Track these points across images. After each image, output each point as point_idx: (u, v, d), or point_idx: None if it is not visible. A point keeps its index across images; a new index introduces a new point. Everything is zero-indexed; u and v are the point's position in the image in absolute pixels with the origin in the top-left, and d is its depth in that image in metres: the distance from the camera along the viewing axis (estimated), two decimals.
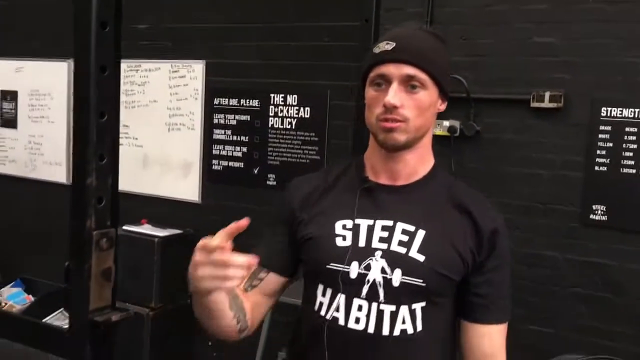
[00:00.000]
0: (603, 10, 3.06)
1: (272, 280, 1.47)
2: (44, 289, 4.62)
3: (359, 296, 1.31)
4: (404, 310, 1.30)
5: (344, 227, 1.35)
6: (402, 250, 1.31)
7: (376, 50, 1.34)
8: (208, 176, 4.23)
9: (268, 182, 4.01)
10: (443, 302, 1.36)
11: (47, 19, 4.64)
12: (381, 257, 1.31)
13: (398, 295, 1.30)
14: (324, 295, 1.37)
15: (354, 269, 1.32)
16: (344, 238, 1.34)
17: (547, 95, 3.14)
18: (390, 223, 1.33)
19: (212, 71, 4.16)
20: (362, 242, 1.33)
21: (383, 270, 1.31)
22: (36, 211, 4.81)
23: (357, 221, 1.35)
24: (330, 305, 1.35)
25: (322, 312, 1.37)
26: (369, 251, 1.32)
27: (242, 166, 4.11)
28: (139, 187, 4.37)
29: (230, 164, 4.15)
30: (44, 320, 4.31)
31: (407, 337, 1.30)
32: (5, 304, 4.64)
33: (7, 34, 4.93)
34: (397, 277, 1.30)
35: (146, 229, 4.07)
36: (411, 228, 1.33)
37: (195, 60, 4.21)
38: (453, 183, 1.45)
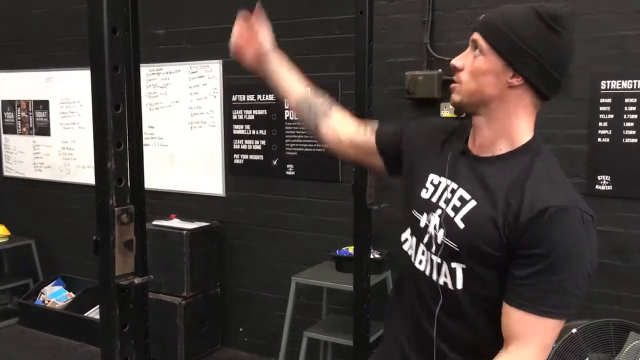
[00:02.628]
0: None
1: (369, 141, 1.69)
2: (83, 286, 4.90)
3: (422, 242, 1.49)
4: (445, 266, 1.42)
5: (431, 181, 1.51)
6: (452, 214, 1.42)
7: None
8: (230, 170, 4.43)
9: (287, 172, 4.20)
10: (483, 273, 1.37)
11: (70, 31, 4.89)
12: (439, 215, 1.45)
13: (441, 252, 1.42)
14: (408, 235, 1.57)
15: (423, 219, 1.50)
16: (427, 190, 1.51)
17: None
18: (456, 187, 1.44)
19: (229, 69, 4.35)
20: (434, 198, 1.49)
21: (435, 227, 1.45)
22: (73, 212, 5.08)
23: (440, 179, 1.49)
24: (410, 245, 1.55)
25: (405, 248, 1.57)
26: (434, 207, 1.47)
27: (262, 159, 4.30)
28: (167, 184, 4.61)
29: (251, 157, 4.35)
30: (84, 315, 4.57)
31: (448, 290, 1.42)
32: (48, 301, 4.92)
33: (34, 47, 5.21)
34: (440, 236, 1.43)
35: (175, 223, 4.29)
36: (467, 196, 1.41)
37: (213, 61, 4.41)
38: (535, 163, 1.38)
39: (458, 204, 1.41)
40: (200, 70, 4.48)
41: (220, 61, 4.38)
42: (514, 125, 1.40)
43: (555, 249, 1.27)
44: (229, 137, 4.42)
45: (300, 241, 4.17)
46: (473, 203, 1.39)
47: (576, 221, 1.29)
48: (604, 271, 3.19)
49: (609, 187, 3.20)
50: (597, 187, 3.23)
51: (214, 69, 4.42)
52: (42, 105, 5.23)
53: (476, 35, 1.38)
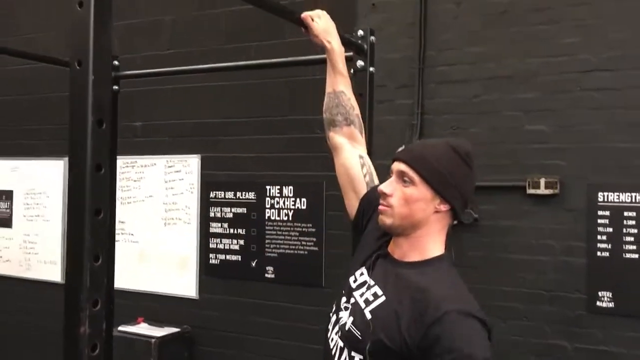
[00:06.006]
0: (591, 97, 3.14)
1: (361, 184, 1.79)
2: None
3: (338, 323, 1.58)
4: (346, 353, 1.51)
5: (360, 273, 1.62)
6: (363, 305, 1.52)
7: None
8: (205, 270, 4.16)
9: (267, 275, 3.95)
10: None
11: (42, 119, 4.72)
12: (352, 303, 1.56)
13: (346, 338, 1.52)
14: (334, 309, 1.65)
15: (343, 302, 1.60)
16: (355, 280, 1.62)
17: (542, 181, 3.16)
18: (372, 283, 1.56)
19: (208, 165, 4.19)
20: (355, 288, 1.60)
21: (348, 314, 1.55)
22: (32, 311, 4.70)
23: (364, 275, 1.61)
24: (331, 320, 1.64)
25: (331, 319, 1.64)
26: (353, 296, 1.58)
27: (240, 259, 4.05)
28: (134, 284, 4.30)
29: (228, 257, 4.10)
30: None
31: None
32: None
33: (2, 133, 5.00)
34: (349, 323, 1.52)
35: (143, 328, 3.96)
36: (379, 292, 1.52)
37: (191, 155, 4.25)
38: (442, 271, 1.51)
39: (371, 298, 1.52)
40: (177, 164, 4.31)
41: (199, 156, 4.23)
42: (429, 242, 1.54)
43: (454, 350, 1.35)
44: (205, 235, 4.18)
45: (278, 350, 3.86)
46: (383, 299, 1.50)
47: (475, 326, 1.39)
48: None
49: (611, 304, 3.03)
50: (598, 303, 3.06)
51: (192, 163, 4.25)
52: (5, 195, 4.95)
53: (404, 167, 1.51)
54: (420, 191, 1.49)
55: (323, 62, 2.03)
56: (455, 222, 1.56)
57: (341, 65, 1.88)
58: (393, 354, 1.41)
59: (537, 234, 3.21)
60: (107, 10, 1.19)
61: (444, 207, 1.50)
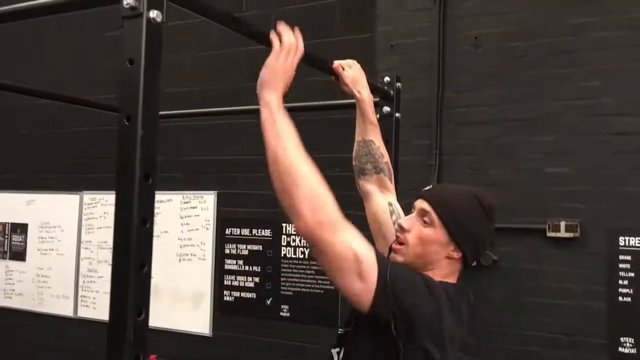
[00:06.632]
0: (613, 141, 3.14)
1: (390, 227, 1.78)
2: None
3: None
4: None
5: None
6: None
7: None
8: (219, 307, 4.13)
9: (282, 314, 3.92)
10: None
11: (57, 154, 4.75)
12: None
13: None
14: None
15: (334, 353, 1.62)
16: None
17: (562, 224, 3.14)
18: None
19: (224, 201, 4.19)
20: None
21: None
22: (43, 346, 4.66)
23: None
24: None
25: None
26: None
27: (255, 297, 4.03)
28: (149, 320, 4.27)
29: (243, 294, 4.08)
30: None
31: None
32: None
33: (18, 167, 5.03)
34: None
35: None
36: None
37: (207, 191, 4.26)
38: None
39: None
40: (193, 200, 4.32)
41: (215, 192, 4.24)
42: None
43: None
44: (220, 272, 4.17)
45: None
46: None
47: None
48: None
49: (633, 350, 2.99)
50: (620, 349, 3.02)
51: (208, 200, 4.26)
52: (20, 228, 4.96)
53: (427, 207, 1.51)
54: (437, 234, 1.50)
55: (350, 107, 2.07)
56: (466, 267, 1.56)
57: (370, 113, 1.89)
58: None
59: (557, 278, 3.18)
60: (156, 68, 1.21)
61: (456, 255, 1.51)
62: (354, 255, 1.32)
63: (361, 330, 1.48)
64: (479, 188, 3.30)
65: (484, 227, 1.52)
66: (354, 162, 1.92)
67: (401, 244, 1.53)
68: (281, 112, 1.49)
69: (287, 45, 1.52)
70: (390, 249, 1.70)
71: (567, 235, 3.14)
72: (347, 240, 1.33)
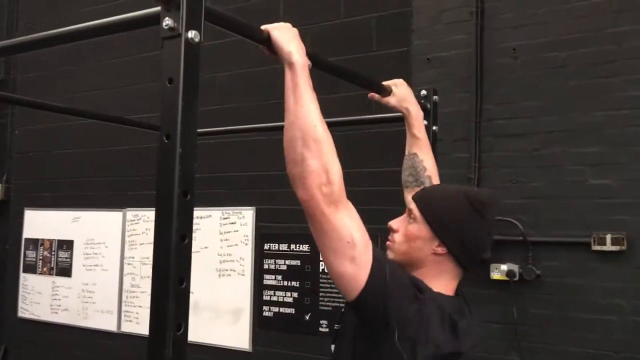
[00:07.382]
0: None
1: None
2: None
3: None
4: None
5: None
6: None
7: None
8: (259, 323, 4.15)
9: (320, 329, 3.91)
10: None
11: (101, 172, 4.86)
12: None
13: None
14: None
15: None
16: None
17: (608, 237, 3.06)
18: None
19: (262, 217, 4.22)
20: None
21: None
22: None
23: None
24: None
25: None
26: None
27: (294, 312, 4.03)
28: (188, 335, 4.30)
29: (282, 310, 4.09)
30: None
31: None
32: None
33: (64, 185, 5.17)
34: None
35: None
36: None
37: (246, 207, 4.30)
38: None
39: None
40: (232, 216, 4.36)
41: (254, 208, 4.27)
42: (432, 285, 1.49)
43: None
44: (259, 287, 4.19)
45: None
46: None
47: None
48: None
49: None
50: None
51: (246, 215, 4.30)
52: (66, 245, 5.09)
53: (413, 205, 1.57)
54: (420, 229, 1.53)
55: (393, 120, 2.16)
56: (464, 269, 1.54)
57: (416, 128, 1.98)
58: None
59: (603, 292, 3.10)
60: (195, 86, 1.24)
61: (441, 250, 1.51)
62: (350, 237, 1.33)
63: (347, 325, 1.51)
64: (521, 201, 3.30)
65: (471, 223, 1.51)
66: (402, 175, 2.01)
67: (390, 242, 1.58)
68: (305, 75, 1.41)
69: (278, 25, 1.47)
70: None
71: (613, 248, 3.06)
72: (347, 223, 1.34)
